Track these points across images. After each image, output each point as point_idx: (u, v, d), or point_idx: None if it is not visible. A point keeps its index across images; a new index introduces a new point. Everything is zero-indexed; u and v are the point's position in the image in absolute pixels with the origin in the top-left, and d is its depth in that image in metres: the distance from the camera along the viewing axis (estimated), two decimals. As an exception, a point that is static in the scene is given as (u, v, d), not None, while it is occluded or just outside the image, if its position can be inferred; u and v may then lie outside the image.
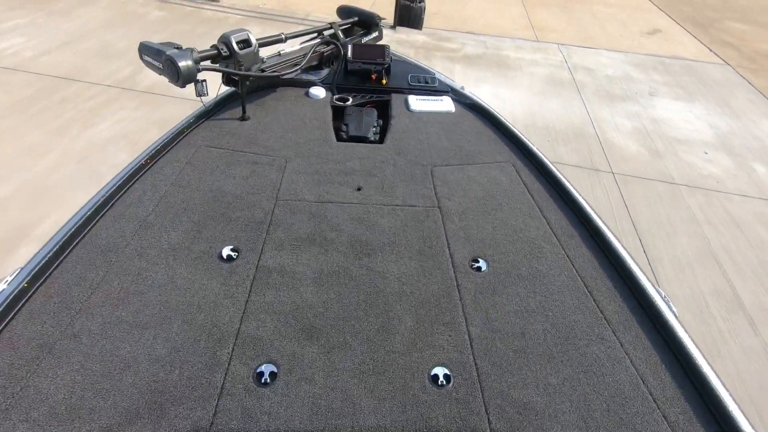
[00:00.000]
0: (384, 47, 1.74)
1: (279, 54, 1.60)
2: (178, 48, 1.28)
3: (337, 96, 1.67)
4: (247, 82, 1.45)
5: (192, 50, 1.27)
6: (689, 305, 2.24)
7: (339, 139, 1.47)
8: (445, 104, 1.67)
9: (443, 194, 1.27)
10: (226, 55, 1.37)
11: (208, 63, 1.35)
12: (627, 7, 7.14)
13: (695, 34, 6.09)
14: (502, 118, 1.61)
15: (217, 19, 4.86)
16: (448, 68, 4.35)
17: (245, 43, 1.40)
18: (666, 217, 2.78)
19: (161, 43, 1.28)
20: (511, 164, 1.42)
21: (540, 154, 1.43)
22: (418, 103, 1.65)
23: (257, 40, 1.50)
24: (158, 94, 3.47)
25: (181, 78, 1.19)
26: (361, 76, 1.73)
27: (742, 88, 4.60)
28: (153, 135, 3.00)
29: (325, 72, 1.76)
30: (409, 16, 5.04)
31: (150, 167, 1.27)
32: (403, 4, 4.98)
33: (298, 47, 1.66)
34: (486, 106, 1.67)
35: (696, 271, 2.42)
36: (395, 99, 1.68)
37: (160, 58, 1.21)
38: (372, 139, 1.49)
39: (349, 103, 1.64)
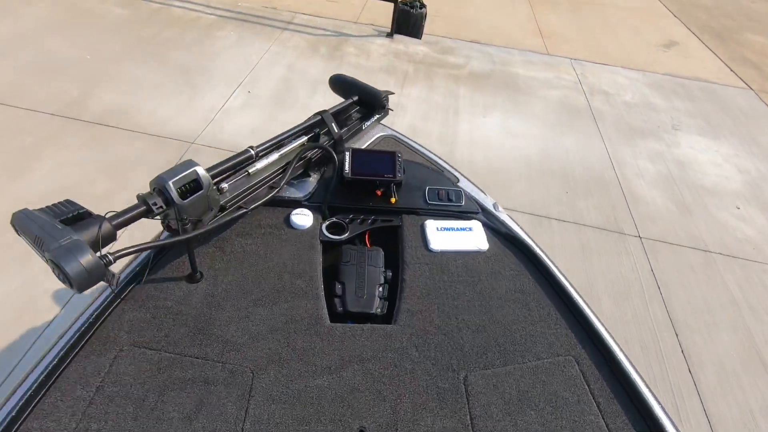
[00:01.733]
0: (394, 156, 1.29)
1: (248, 174, 1.14)
2: (78, 216, 0.82)
3: (329, 222, 1.22)
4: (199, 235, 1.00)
5: (99, 222, 0.81)
6: (739, 429, 1.92)
7: (332, 315, 1.03)
8: (474, 237, 1.24)
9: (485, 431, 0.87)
10: (161, 211, 0.92)
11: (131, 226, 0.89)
12: (639, 10, 6.65)
13: (713, 48, 5.68)
14: (552, 265, 1.19)
15: (189, 20, 4.24)
16: (452, 91, 3.87)
17: (193, 185, 0.94)
18: (703, 300, 2.43)
19: (49, 209, 0.82)
20: (572, 358, 1.01)
21: (609, 339, 1.03)
22: (439, 236, 1.22)
23: (214, 168, 1.04)
24: (112, 126, 2.93)
25: (76, 285, 0.74)
26: (361, 188, 1.28)
27: (768, 119, 4.24)
28: (100, 187, 2.50)
29: (312, 183, 1.31)
30: (408, 23, 4.49)
31: (41, 399, 0.83)
32: (402, 9, 4.43)
33: (273, 157, 1.20)
34: (528, 241, 1.24)
35: (742, 381, 2.09)
36: (408, 225, 1.25)
37: (42, 253, 0.75)
38: (378, 312, 1.06)
39: (345, 235, 1.19)
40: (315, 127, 1.31)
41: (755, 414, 1.97)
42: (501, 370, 0.97)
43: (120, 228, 0.86)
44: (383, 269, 1.14)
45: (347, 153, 1.27)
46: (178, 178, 0.92)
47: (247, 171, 1.14)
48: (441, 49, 4.55)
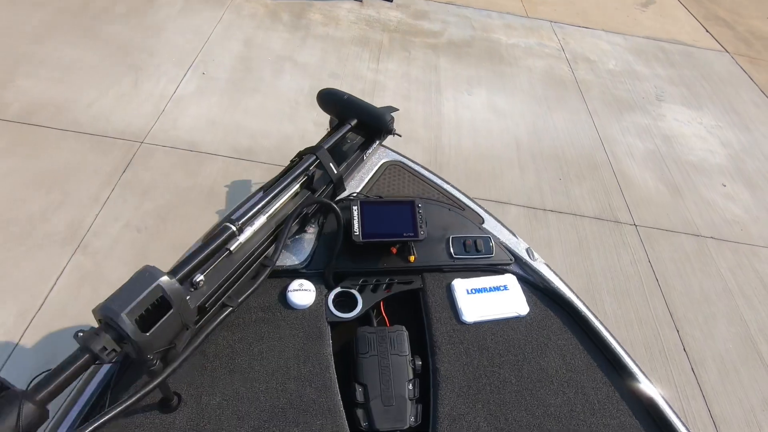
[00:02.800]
0: (413, 207, 1.04)
1: (230, 253, 0.87)
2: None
3: (337, 292, 0.98)
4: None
5: (17, 402, 0.55)
6: (740, 426, 1.93)
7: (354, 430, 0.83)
8: (512, 298, 1.04)
9: None
10: (115, 356, 0.65)
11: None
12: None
13: (687, 6, 5.53)
14: (600, 327, 1.02)
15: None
16: (432, 63, 3.54)
17: (157, 304, 0.67)
18: (700, 290, 2.40)
19: None
20: None
21: (677, 422, 0.89)
22: (471, 302, 1.02)
23: (183, 265, 0.77)
24: (40, 125, 2.45)
25: None
26: (373, 247, 1.04)
27: (745, 85, 4.21)
28: (33, 206, 2.09)
29: (310, 240, 1.05)
30: (378, -18, 4.02)
31: None
32: (372, -34, 3.94)
33: (259, 221, 0.93)
34: (572, 298, 1.06)
35: (741, 376, 2.10)
36: (431, 287, 1.03)
37: None
38: (411, 424, 0.86)
39: (357, 310, 0.97)
40: (307, 170, 1.04)
41: (755, 411, 1.99)
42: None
43: (52, 399, 0.59)
44: (410, 357, 0.93)
45: (355, 208, 1.01)
46: (134, 304, 0.64)
47: (228, 249, 0.87)
48: (415, 13, 4.14)
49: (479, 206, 1.22)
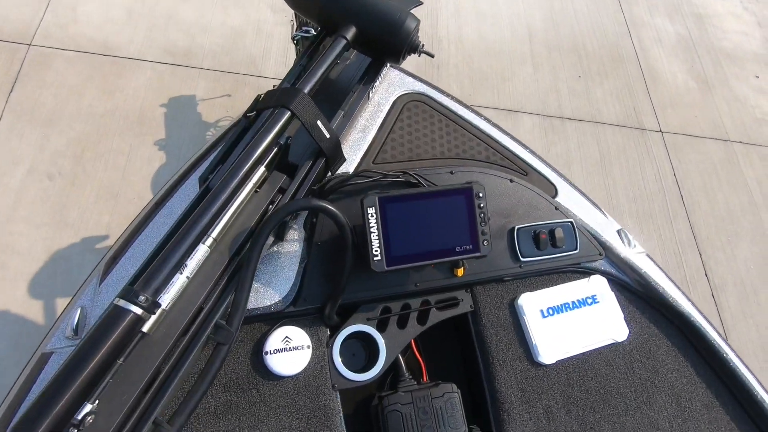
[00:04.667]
0: (471, 198, 0.63)
1: (142, 337, 0.47)
2: None
3: (345, 338, 0.63)
4: None
5: None
6: (756, 352, 1.88)
7: None
8: (605, 315, 0.72)
9: None
10: None
11: None
12: None
13: None
14: (724, 348, 0.73)
15: None
16: None
17: None
18: (725, 206, 2.18)
19: None
20: None
21: None
22: (549, 329, 0.69)
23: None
24: None
25: None
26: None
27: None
28: None
29: (293, 256, 0.64)
30: None
31: None
32: None
33: (198, 255, 0.51)
34: (686, 307, 0.75)
35: (760, 297, 1.99)
36: (486, 308, 0.69)
37: None
38: None
39: (380, 365, 0.63)
40: (278, 139, 0.59)
41: (772, 333, 1.92)
42: None
43: None
44: (466, 430, 0.62)
45: (371, 212, 0.59)
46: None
47: (140, 331, 0.46)
48: None
49: (548, 165, 0.82)
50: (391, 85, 0.81)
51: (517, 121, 2.17)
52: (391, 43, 0.70)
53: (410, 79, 0.83)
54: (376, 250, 0.59)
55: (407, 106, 0.80)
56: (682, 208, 2.14)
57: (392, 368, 0.67)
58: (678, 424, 0.68)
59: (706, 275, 2.00)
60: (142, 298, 0.45)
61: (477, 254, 0.62)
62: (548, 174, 0.80)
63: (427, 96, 0.82)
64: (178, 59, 1.93)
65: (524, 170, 0.79)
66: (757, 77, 2.71)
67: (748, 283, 2.02)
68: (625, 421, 0.67)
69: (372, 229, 0.59)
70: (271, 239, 0.62)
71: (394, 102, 0.79)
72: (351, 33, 0.68)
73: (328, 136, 0.61)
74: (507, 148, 0.80)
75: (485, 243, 0.62)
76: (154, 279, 0.47)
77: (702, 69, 2.63)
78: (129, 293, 0.45)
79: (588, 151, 2.18)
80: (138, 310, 0.44)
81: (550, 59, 2.39)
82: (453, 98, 0.83)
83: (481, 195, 0.63)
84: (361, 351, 0.65)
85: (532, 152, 0.83)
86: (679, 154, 2.28)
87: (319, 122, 0.60)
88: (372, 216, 0.59)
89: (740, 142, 2.42)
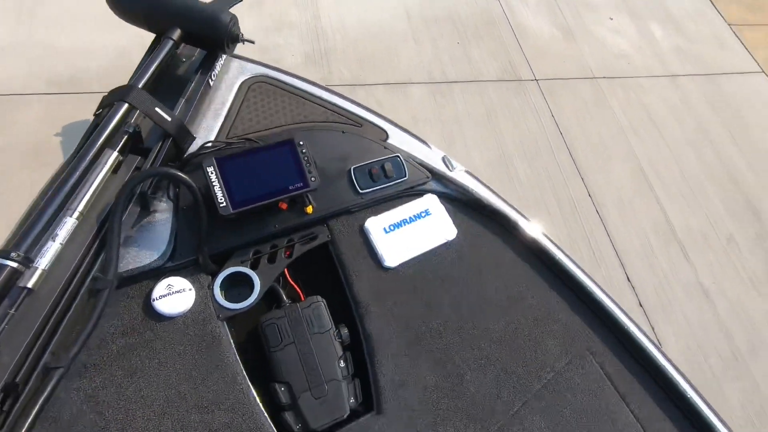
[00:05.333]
0: (293, 146, 0.78)
1: (28, 293, 0.59)
2: None
3: (224, 278, 0.77)
4: None
5: None
6: (635, 249, 2.20)
7: None
8: (436, 223, 0.90)
9: None
10: None
11: None
12: None
13: None
14: (537, 234, 0.94)
15: None
16: None
17: None
18: (598, 136, 2.50)
19: None
20: (589, 355, 0.86)
21: (623, 318, 0.89)
22: (391, 241, 0.86)
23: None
24: None
25: None
26: (253, 211, 0.80)
27: None
28: None
29: (164, 220, 0.77)
30: None
31: None
32: None
33: (66, 227, 0.63)
34: (502, 206, 0.95)
35: (636, 206, 2.33)
36: (341, 235, 0.85)
37: None
38: (352, 406, 0.74)
39: (255, 293, 0.77)
40: (123, 125, 0.71)
41: (648, 234, 2.25)
42: (525, 411, 0.78)
43: None
44: (334, 329, 0.78)
45: (210, 170, 0.73)
46: None
47: (24, 287, 0.58)
48: None
49: (379, 116, 0.99)
50: (236, 72, 0.94)
51: (407, 92, 2.37)
52: (212, 36, 0.83)
53: (252, 65, 0.96)
54: (221, 199, 0.73)
55: (252, 87, 0.93)
56: (562, 143, 2.43)
57: (272, 298, 0.81)
58: (502, 293, 0.88)
59: (589, 196, 2.30)
60: (14, 254, 0.56)
61: (308, 188, 0.77)
62: (379, 122, 0.97)
63: (269, 77, 0.96)
64: (65, 87, 1.95)
65: (358, 123, 0.96)
66: (611, 19, 3.08)
67: (624, 197, 2.35)
68: (461, 299, 0.85)
69: (213, 183, 0.72)
70: (138, 212, 0.74)
71: (240, 86, 0.93)
72: (176, 34, 0.80)
73: (169, 119, 0.74)
74: (342, 108, 0.96)
75: (313, 179, 0.78)
76: (23, 241, 0.58)
77: (564, 19, 2.96)
78: (5, 253, 0.56)
79: (475, 108, 2.42)
80: (13, 264, 0.56)
81: (429, 32, 2.61)
82: (293, 75, 0.98)
83: (302, 143, 0.78)
84: (241, 288, 0.79)
85: (365, 108, 0.99)
86: (554, 97, 2.58)
87: (157, 109, 0.72)
88: (212, 173, 0.73)
89: (604, 77, 2.76)
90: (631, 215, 2.29)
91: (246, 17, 2.37)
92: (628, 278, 2.12)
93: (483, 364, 0.81)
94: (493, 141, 2.34)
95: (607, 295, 0.92)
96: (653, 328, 2.03)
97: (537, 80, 2.62)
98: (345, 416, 0.73)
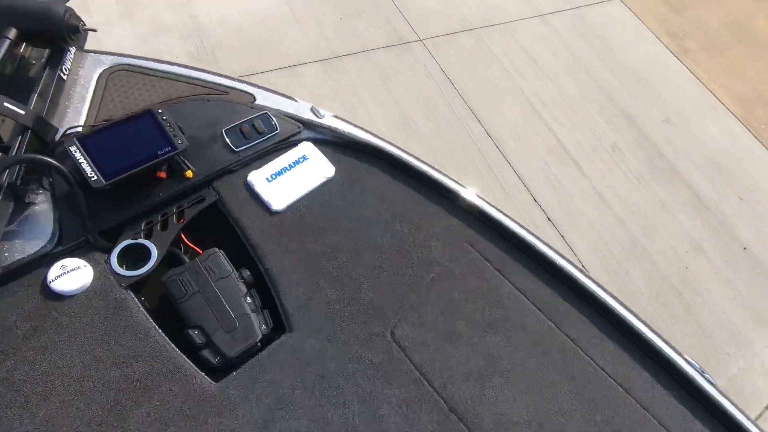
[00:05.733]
0: (153, 115, 0.84)
1: None
2: None
3: (119, 250, 0.82)
4: None
5: None
6: (537, 173, 2.44)
7: (211, 373, 0.78)
8: (315, 165, 1.00)
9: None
10: None
11: None
12: None
13: None
14: (400, 153, 1.06)
15: None
16: None
17: None
18: (486, 81, 2.71)
19: None
20: (468, 245, 1.01)
21: (489, 209, 1.04)
22: (275, 188, 0.95)
23: None
24: None
25: None
26: (130, 182, 0.85)
27: None
28: None
29: (45, 210, 0.81)
30: None
31: None
32: None
33: None
34: (367, 137, 1.06)
35: (530, 133, 2.56)
36: (228, 193, 0.93)
37: None
38: (264, 332, 0.83)
39: (153, 259, 0.83)
40: None
41: (545, 157, 2.50)
42: (420, 301, 0.91)
43: None
44: (235, 273, 0.86)
45: (73, 150, 0.77)
46: None
47: None
48: None
49: (244, 83, 1.06)
50: (92, 65, 0.97)
51: (301, 73, 2.43)
52: (51, 30, 0.86)
53: (110, 56, 1.00)
54: (91, 174, 0.77)
55: (111, 77, 0.97)
56: (455, 93, 2.61)
57: (175, 261, 0.87)
58: (385, 210, 1.00)
59: (488, 135, 2.51)
60: None
61: (177, 150, 0.84)
62: (245, 88, 1.05)
63: (130, 65, 1.00)
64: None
65: (224, 91, 1.03)
66: (480, -26, 3.30)
67: (518, 130, 2.58)
68: (348, 222, 0.96)
69: (80, 161, 0.77)
70: (10, 205, 0.77)
71: (99, 76, 0.96)
72: (12, 33, 0.83)
73: (22, 112, 0.77)
74: (207, 81, 1.03)
75: (180, 142, 0.84)
76: None
77: (436, -20, 3.13)
78: None
79: (369, 77, 2.53)
80: None
81: (310, 12, 2.67)
82: (153, 60, 1.03)
83: (161, 111, 0.84)
84: (140, 257, 0.84)
85: (230, 77, 1.06)
86: (440, 53, 2.75)
87: (6, 104, 0.75)
88: (75, 152, 0.77)
89: (482, 27, 2.97)
90: (528, 144, 2.53)
91: (117, 27, 2.32)
92: (534, 199, 2.36)
93: (377, 273, 0.92)
94: (392, 104, 2.47)
95: (479, 196, 1.06)
96: (563, 237, 2.28)
97: (422, 40, 2.77)
98: (258, 340, 0.81)
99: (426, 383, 0.83)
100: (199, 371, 0.76)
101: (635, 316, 0.97)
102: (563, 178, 2.46)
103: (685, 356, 0.98)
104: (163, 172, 0.86)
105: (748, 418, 0.92)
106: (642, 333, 0.95)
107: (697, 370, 0.95)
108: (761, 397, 2.04)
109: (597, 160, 2.59)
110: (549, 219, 2.31)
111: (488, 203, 1.06)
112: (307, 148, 1.01)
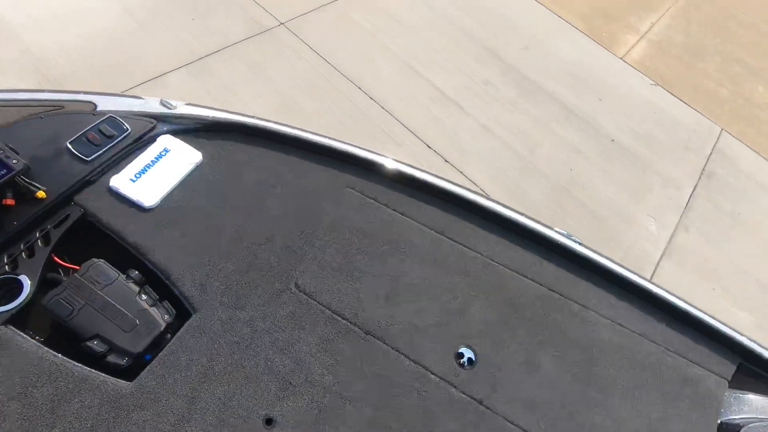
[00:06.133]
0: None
1: None
2: None
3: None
4: None
5: None
6: (425, 123, 2.58)
7: (126, 374, 0.78)
8: (179, 156, 1.00)
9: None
10: None
11: None
12: None
13: None
14: (270, 124, 1.10)
15: None
16: None
17: None
18: (356, 49, 2.78)
19: None
20: (351, 192, 1.07)
21: (373, 156, 1.11)
22: (143, 187, 0.94)
23: None
24: None
25: None
26: None
27: None
28: None
29: None
30: None
31: None
32: None
33: None
34: (228, 116, 1.08)
35: (410, 88, 2.69)
36: (94, 203, 0.91)
37: None
38: (167, 320, 0.84)
39: (25, 290, 0.80)
40: None
41: (428, 106, 2.64)
42: (314, 253, 0.97)
43: None
44: (123, 276, 0.85)
45: None
46: None
47: None
48: None
49: (80, 92, 1.02)
50: None
51: (166, 83, 2.33)
52: None
53: None
54: None
55: None
56: (330, 67, 2.65)
57: (54, 283, 0.84)
58: (261, 180, 1.03)
59: (372, 100, 2.59)
60: None
61: (13, 172, 0.81)
62: (82, 97, 1.01)
63: None
64: None
65: (59, 105, 0.98)
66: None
67: (398, 86, 2.69)
68: (227, 195, 0.98)
69: None
70: None
71: None
72: None
73: None
74: (38, 99, 0.98)
75: (15, 162, 0.81)
76: None
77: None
78: None
79: (239, 71, 2.49)
80: None
81: (158, 20, 2.55)
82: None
83: None
84: (13, 291, 0.80)
85: (66, 91, 1.01)
86: (305, 33, 2.76)
87: None
88: None
89: (339, -1, 3.02)
90: (410, 98, 2.65)
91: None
92: (429, 146, 2.50)
93: (269, 237, 0.96)
94: (269, 93, 2.46)
95: (347, 143, 1.13)
96: (463, 173, 2.46)
97: (283, 24, 2.76)
98: (162, 329, 0.82)
99: (339, 318, 0.89)
100: (108, 377, 0.75)
101: (509, 208, 1.10)
102: (449, 121, 2.63)
103: (555, 228, 1.14)
104: (10, 199, 0.81)
105: (636, 274, 1.09)
106: (519, 221, 1.09)
107: (565, 236, 1.11)
108: (652, 258, 2.39)
109: (474, 97, 2.80)
110: (446, 161, 2.47)
111: (361, 147, 1.13)
112: (166, 140, 1.00)
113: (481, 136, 2.63)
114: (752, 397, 1.00)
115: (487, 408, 0.86)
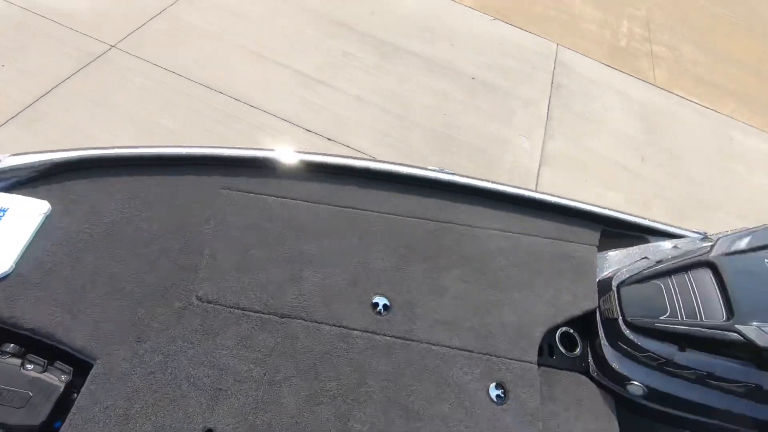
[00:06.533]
0: None
1: None
2: None
3: None
4: None
5: None
6: (298, 108, 2.58)
7: None
8: (18, 212, 0.91)
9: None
10: None
11: None
12: None
13: None
14: (115, 150, 1.03)
15: None
16: None
17: None
18: (202, 52, 2.66)
19: None
20: (227, 193, 1.06)
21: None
22: None
23: None
24: None
25: None
26: None
27: None
28: None
29: None
30: None
31: None
32: None
33: None
34: (69, 154, 0.99)
35: (272, 79, 2.65)
36: None
37: None
38: (66, 379, 0.78)
39: None
40: None
41: (297, 91, 2.63)
42: (205, 261, 0.95)
43: None
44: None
45: None
46: None
47: None
48: None
49: None
50: None
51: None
52: None
53: None
54: None
55: None
56: (181, 79, 2.50)
57: None
58: (125, 207, 0.98)
59: (237, 100, 2.51)
60: None
61: None
62: None
63: None
64: None
65: None
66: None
67: (259, 80, 2.63)
68: (93, 236, 0.93)
69: None
70: None
71: None
72: None
73: None
74: None
75: None
76: None
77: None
78: None
79: (82, 108, 2.25)
80: None
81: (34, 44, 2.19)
82: None
83: None
84: None
85: None
86: (141, 50, 2.56)
87: None
88: None
89: (167, 6, 2.83)
90: (275, 88, 2.61)
91: None
92: (308, 130, 2.50)
93: (153, 259, 0.93)
94: (122, 122, 2.27)
95: (215, 146, 1.11)
96: (348, 146, 2.50)
97: (115, 46, 2.53)
98: (61, 390, 0.77)
99: (251, 312, 0.90)
100: None
101: (381, 161, 1.17)
102: (321, 100, 2.65)
103: (429, 167, 1.24)
104: None
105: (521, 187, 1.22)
106: (393, 171, 1.16)
107: (438, 171, 1.22)
108: (532, 170, 2.67)
109: (338, 71, 2.83)
110: (330, 139, 2.50)
111: (225, 147, 1.11)
112: (1, 200, 0.90)
113: (355, 106, 2.69)
114: (615, 253, 1.20)
115: (412, 340, 0.94)
